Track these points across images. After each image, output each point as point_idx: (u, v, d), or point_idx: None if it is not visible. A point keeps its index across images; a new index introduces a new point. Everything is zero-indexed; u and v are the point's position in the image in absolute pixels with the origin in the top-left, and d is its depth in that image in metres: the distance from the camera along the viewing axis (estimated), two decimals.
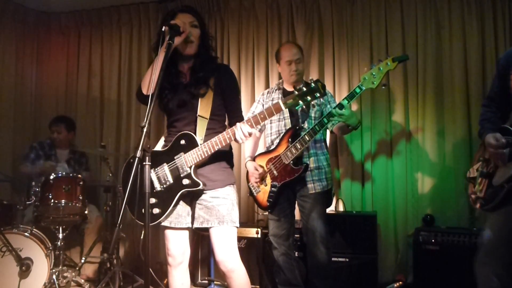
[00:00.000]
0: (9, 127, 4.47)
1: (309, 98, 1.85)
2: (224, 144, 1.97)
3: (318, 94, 1.85)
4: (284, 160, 2.78)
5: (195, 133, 2.03)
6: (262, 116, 1.91)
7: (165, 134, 2.24)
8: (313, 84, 1.85)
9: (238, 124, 1.92)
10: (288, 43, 3.15)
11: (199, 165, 2.04)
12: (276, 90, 3.06)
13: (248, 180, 3.00)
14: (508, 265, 2.02)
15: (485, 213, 2.16)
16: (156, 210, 2.04)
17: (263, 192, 2.90)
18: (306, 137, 2.70)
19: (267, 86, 3.97)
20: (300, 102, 1.85)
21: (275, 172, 2.83)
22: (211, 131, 2.07)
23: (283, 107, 1.88)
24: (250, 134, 1.93)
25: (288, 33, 3.98)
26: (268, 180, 2.87)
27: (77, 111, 4.69)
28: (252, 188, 2.97)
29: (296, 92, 1.86)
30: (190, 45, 2.04)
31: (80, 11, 4.71)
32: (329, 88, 3.71)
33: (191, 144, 2.01)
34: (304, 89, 1.85)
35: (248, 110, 3.24)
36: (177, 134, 2.06)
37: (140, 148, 1.66)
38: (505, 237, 2.01)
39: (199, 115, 2.05)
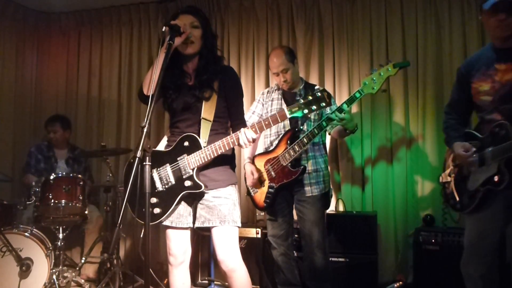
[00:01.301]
0: (9, 127, 4.47)
1: (314, 107, 1.87)
2: (227, 148, 1.98)
3: (323, 104, 1.87)
4: (282, 161, 2.78)
5: (198, 135, 2.04)
6: (266, 122, 1.93)
7: (167, 133, 2.25)
8: (319, 94, 1.86)
9: (242, 129, 1.94)
10: (275, 51, 2.96)
11: (202, 166, 2.04)
12: (275, 90, 3.06)
13: (246, 181, 3.01)
14: (491, 265, 2.09)
15: (463, 215, 2.23)
16: (157, 210, 2.05)
17: (261, 193, 2.90)
18: (305, 139, 2.70)
19: (267, 85, 3.97)
20: (306, 110, 1.87)
21: (273, 173, 2.83)
22: (214, 133, 2.08)
23: (288, 115, 1.89)
24: (254, 140, 1.95)
25: (288, 33, 3.98)
26: (266, 181, 2.87)
27: (77, 111, 4.69)
28: (249, 188, 2.97)
29: (302, 101, 1.88)
30: (190, 45, 2.04)
31: (80, 11, 4.70)
32: (329, 88, 3.71)
33: (195, 146, 2.02)
34: (310, 98, 1.87)
35: (248, 109, 3.24)
36: (181, 135, 2.07)
37: (140, 148, 1.67)
38: (486, 238, 2.08)
39: (203, 118, 2.06)
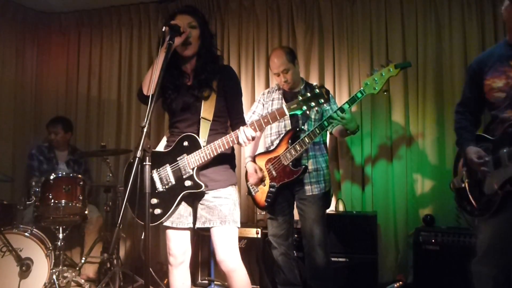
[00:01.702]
0: (9, 127, 4.47)
1: (313, 103, 1.86)
2: (227, 147, 1.98)
3: (322, 100, 1.86)
4: (283, 161, 2.79)
5: (198, 135, 2.04)
6: (265, 120, 1.92)
7: (167, 134, 2.25)
8: (317, 90, 1.86)
9: (241, 127, 1.93)
10: (276, 52, 2.96)
11: (202, 166, 2.05)
12: (276, 90, 3.06)
13: (247, 180, 3.01)
14: (503, 267, 2.07)
15: (481, 218, 2.17)
16: (157, 211, 2.05)
17: (261, 192, 2.90)
18: (306, 139, 2.71)
19: (267, 86, 3.97)
20: (304, 107, 1.86)
21: (274, 172, 2.83)
22: (214, 132, 2.08)
23: (287, 112, 1.89)
24: (253, 138, 1.94)
25: (288, 33, 3.98)
26: (267, 180, 2.87)
27: (77, 111, 4.69)
28: (250, 187, 2.98)
29: (300, 97, 1.87)
30: (188, 46, 2.04)
31: (80, 11, 4.71)
32: (329, 88, 3.70)
33: (194, 146, 2.02)
34: (309, 94, 1.86)
35: (249, 110, 3.24)
36: (180, 136, 2.06)
37: (140, 148, 1.66)
38: (501, 241, 2.05)
39: (202, 117, 2.06)
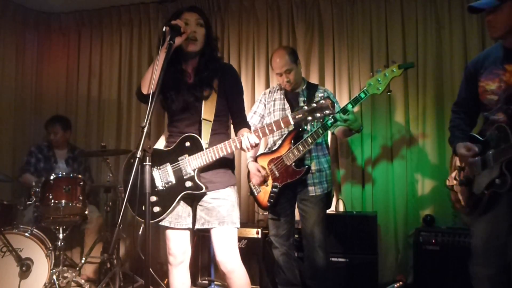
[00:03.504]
0: (9, 127, 4.47)
1: (318, 114, 1.87)
2: (230, 151, 1.99)
3: (327, 112, 1.87)
4: (286, 161, 2.79)
5: (199, 135, 2.04)
6: (270, 128, 1.93)
7: (165, 133, 2.24)
8: (323, 101, 1.87)
9: (245, 133, 1.94)
10: (278, 52, 2.96)
11: (202, 167, 2.04)
12: (277, 90, 3.06)
13: (249, 180, 3.00)
14: (499, 266, 2.08)
15: (471, 218, 2.22)
16: (156, 209, 2.05)
17: (264, 192, 2.90)
18: (309, 139, 2.71)
19: (267, 86, 3.97)
20: (309, 117, 1.87)
21: (276, 173, 2.83)
22: (215, 132, 2.08)
23: (292, 122, 1.90)
24: (256, 145, 1.96)
25: (288, 33, 3.98)
26: (270, 180, 2.87)
27: (77, 111, 4.69)
28: (253, 187, 2.97)
29: (306, 107, 1.88)
30: (194, 42, 2.04)
31: (80, 11, 4.71)
32: (329, 88, 3.70)
33: (196, 147, 2.02)
34: (314, 105, 1.87)
35: (249, 110, 3.24)
36: (182, 135, 2.06)
37: (140, 148, 1.66)
38: (493, 241, 2.07)
39: (203, 119, 2.06)
